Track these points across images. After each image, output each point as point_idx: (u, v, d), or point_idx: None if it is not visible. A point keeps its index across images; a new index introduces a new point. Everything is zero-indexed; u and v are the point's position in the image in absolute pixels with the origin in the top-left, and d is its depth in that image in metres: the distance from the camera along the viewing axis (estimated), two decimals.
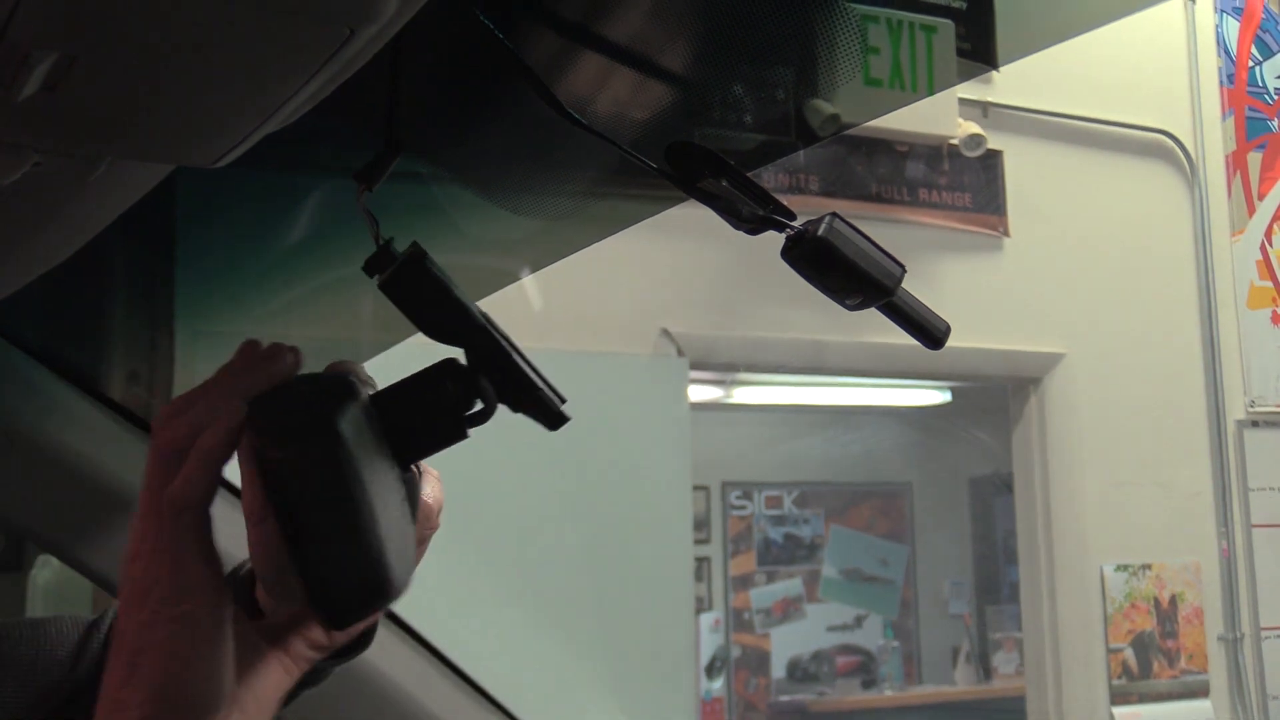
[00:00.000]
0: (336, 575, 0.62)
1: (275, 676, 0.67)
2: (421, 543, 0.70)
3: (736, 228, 0.66)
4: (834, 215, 0.62)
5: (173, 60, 0.44)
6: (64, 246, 0.76)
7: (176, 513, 0.65)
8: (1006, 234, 4.28)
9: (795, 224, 0.62)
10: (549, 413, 0.66)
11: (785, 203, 0.64)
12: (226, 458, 0.65)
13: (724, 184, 0.65)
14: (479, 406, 0.65)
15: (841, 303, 0.63)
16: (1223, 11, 4.80)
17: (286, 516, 0.63)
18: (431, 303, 0.64)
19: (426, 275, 0.64)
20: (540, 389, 0.66)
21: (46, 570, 2.25)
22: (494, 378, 0.65)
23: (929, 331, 0.65)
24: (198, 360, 1.50)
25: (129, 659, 0.64)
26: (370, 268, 0.65)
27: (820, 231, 0.61)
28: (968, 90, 4.16)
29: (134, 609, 0.65)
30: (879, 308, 0.64)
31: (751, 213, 0.65)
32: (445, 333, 0.65)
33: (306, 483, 0.62)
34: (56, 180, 0.57)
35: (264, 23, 0.41)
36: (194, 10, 0.40)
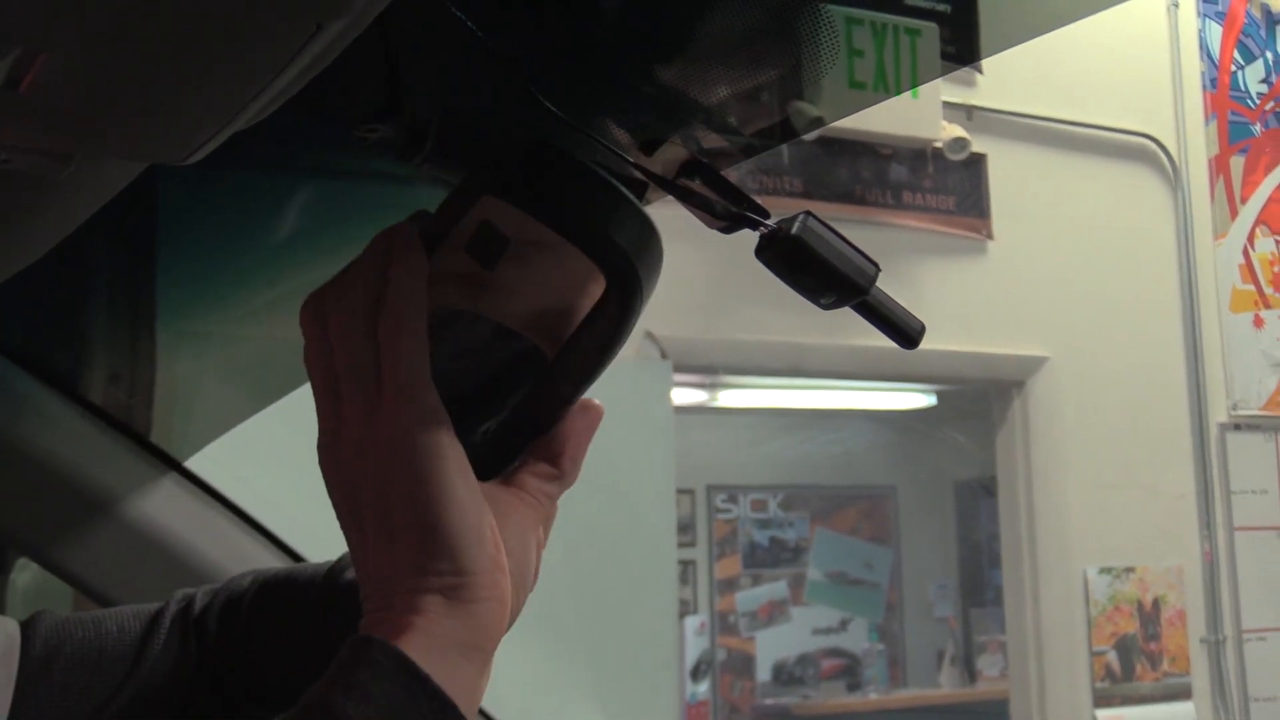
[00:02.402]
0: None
1: (521, 512, 0.65)
2: None
3: (710, 226, 0.65)
4: (808, 214, 0.62)
5: (139, 56, 0.44)
6: (36, 246, 0.76)
7: (413, 368, 0.61)
8: (990, 237, 4.29)
9: (769, 222, 0.62)
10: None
11: (768, 204, 0.64)
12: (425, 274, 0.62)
13: (698, 182, 0.65)
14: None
15: (815, 302, 0.63)
16: (1205, 16, 4.82)
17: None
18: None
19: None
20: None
21: (26, 573, 2.24)
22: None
23: (903, 331, 0.64)
24: (179, 361, 1.49)
25: (381, 520, 0.61)
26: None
27: (794, 230, 0.61)
28: (952, 94, 4.17)
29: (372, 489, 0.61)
30: (853, 307, 0.63)
31: (726, 211, 0.64)
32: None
33: None
34: (25, 179, 0.57)
35: (229, 18, 0.41)
36: (159, 4, 0.40)
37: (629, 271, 0.62)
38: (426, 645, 0.58)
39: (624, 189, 0.63)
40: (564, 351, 0.64)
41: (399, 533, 0.60)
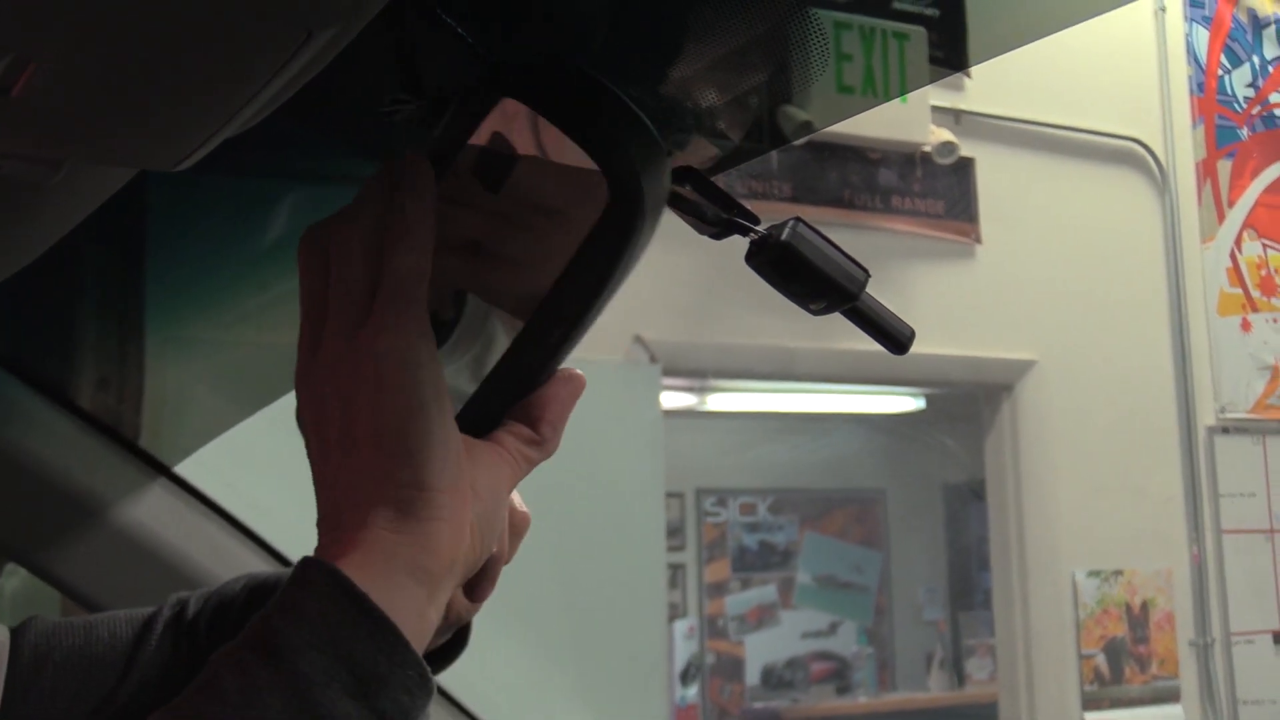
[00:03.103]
0: None
1: (496, 463, 0.63)
2: None
3: (701, 232, 0.66)
4: (798, 220, 0.62)
5: (129, 63, 0.44)
6: (26, 252, 0.76)
7: (410, 284, 0.60)
8: (978, 241, 4.29)
9: (759, 229, 0.63)
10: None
11: (757, 209, 0.64)
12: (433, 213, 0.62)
13: (688, 188, 0.65)
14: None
15: (805, 307, 0.63)
16: (1192, 21, 4.84)
17: None
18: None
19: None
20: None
21: (14, 579, 2.24)
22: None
23: (893, 337, 0.65)
24: (168, 366, 1.49)
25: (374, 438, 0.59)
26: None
27: (784, 236, 0.61)
28: (940, 98, 4.18)
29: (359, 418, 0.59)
30: (843, 313, 0.64)
31: (716, 217, 0.65)
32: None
33: None
34: (15, 184, 0.57)
35: (219, 25, 0.41)
36: (149, 12, 0.40)
37: (634, 186, 0.60)
38: (369, 563, 0.57)
39: (642, 114, 0.62)
40: (553, 292, 0.62)
41: (362, 445, 0.59)
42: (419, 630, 0.57)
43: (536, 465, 0.66)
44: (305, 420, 0.62)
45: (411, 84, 0.65)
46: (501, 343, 0.65)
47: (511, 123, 0.63)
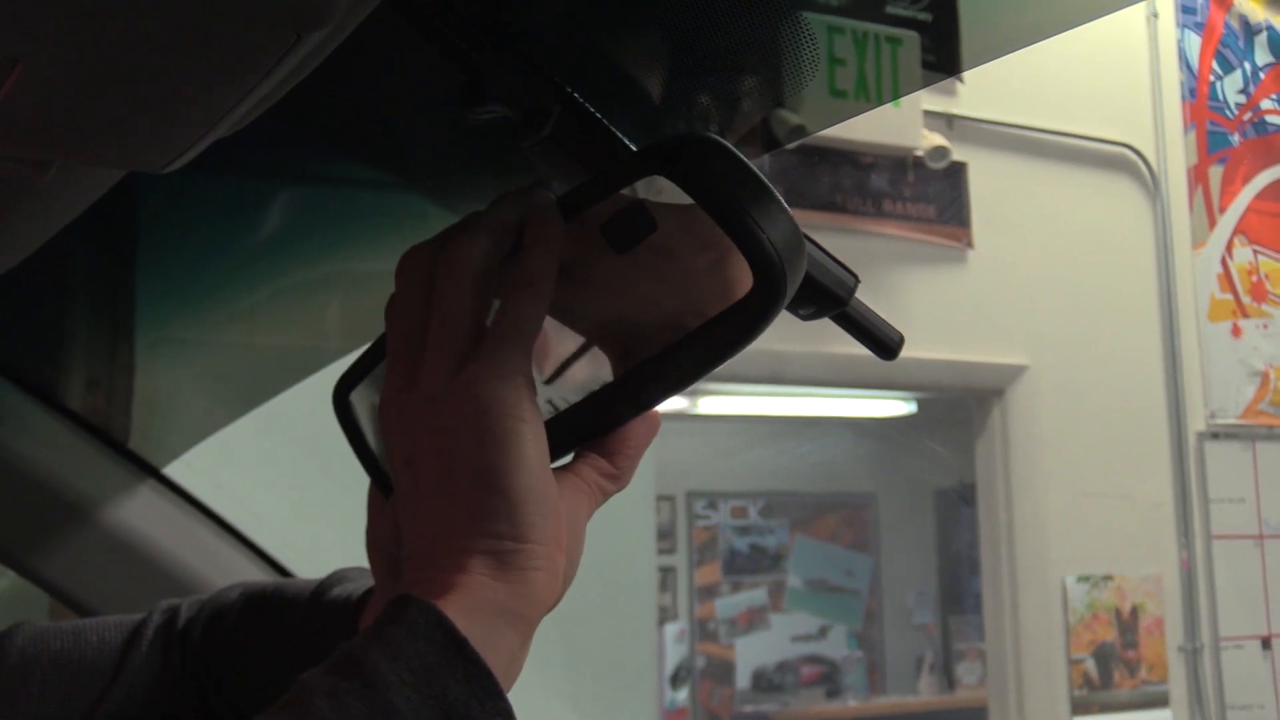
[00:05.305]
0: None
1: (578, 497, 0.63)
2: None
3: None
4: None
5: (117, 65, 0.43)
6: (15, 253, 0.76)
7: (526, 334, 0.60)
8: (970, 246, 4.30)
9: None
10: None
11: None
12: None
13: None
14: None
15: (795, 313, 0.63)
16: (1184, 27, 4.85)
17: None
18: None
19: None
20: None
21: (2, 581, 2.23)
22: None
23: (882, 342, 0.64)
24: (158, 367, 1.49)
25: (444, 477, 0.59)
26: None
27: None
28: (932, 102, 4.18)
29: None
30: (833, 318, 0.64)
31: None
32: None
33: None
34: (3, 186, 0.56)
35: (208, 27, 0.40)
36: (138, 14, 0.40)
37: (778, 273, 0.59)
38: (469, 607, 0.56)
39: (784, 203, 0.61)
40: (666, 354, 0.61)
41: (460, 490, 0.58)
42: (509, 674, 0.58)
43: (610, 498, 0.66)
44: (394, 452, 0.62)
45: (495, 93, 0.64)
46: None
47: (653, 192, 0.62)
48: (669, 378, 0.62)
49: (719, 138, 0.62)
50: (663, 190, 0.61)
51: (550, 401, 0.65)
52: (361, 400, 0.72)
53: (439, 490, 0.59)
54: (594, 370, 0.66)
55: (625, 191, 0.63)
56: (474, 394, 0.58)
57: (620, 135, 0.67)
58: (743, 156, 0.61)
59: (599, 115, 0.65)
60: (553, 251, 0.61)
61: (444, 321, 0.60)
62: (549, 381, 0.66)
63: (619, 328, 0.64)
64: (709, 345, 0.60)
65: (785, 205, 0.61)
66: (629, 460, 0.66)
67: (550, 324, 0.65)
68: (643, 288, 0.63)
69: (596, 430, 0.65)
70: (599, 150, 0.66)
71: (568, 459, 0.65)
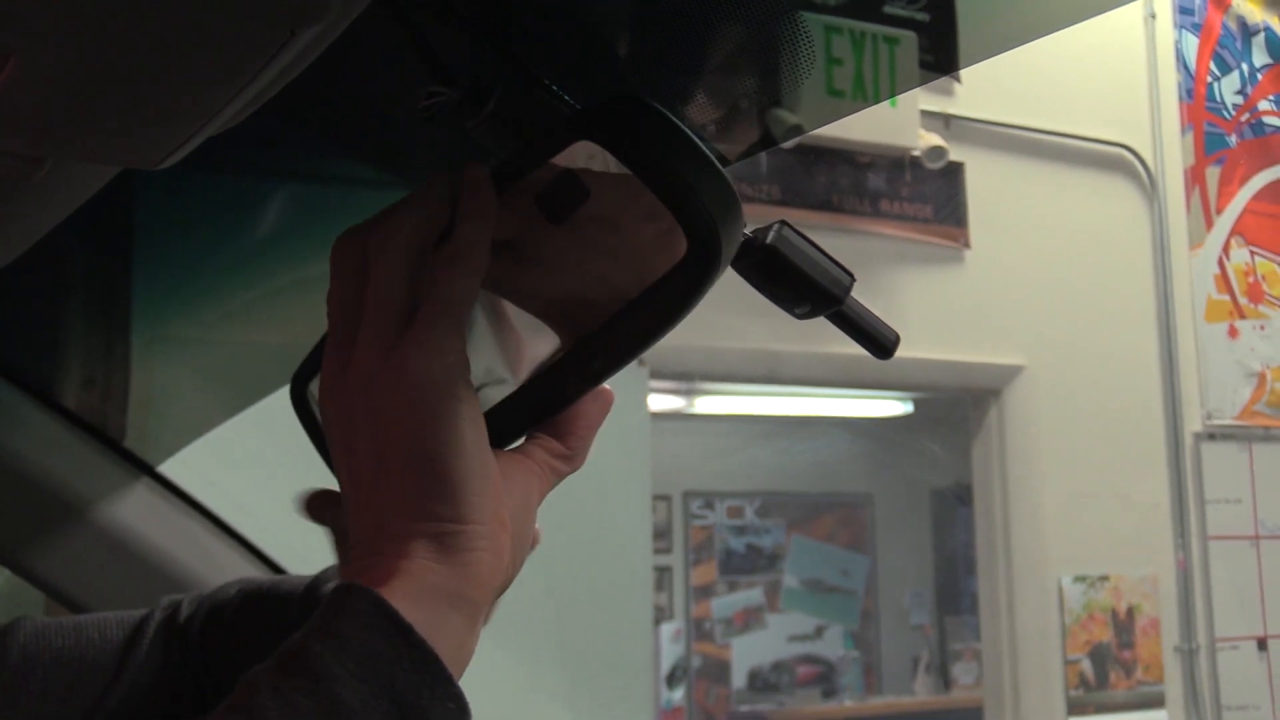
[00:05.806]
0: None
1: (525, 478, 0.62)
2: None
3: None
4: (782, 223, 0.62)
5: (112, 61, 0.43)
6: (9, 250, 0.75)
7: (459, 308, 0.58)
8: (967, 246, 4.30)
9: (745, 231, 0.62)
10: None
11: (746, 212, 0.64)
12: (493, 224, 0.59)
13: None
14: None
15: (790, 311, 0.63)
16: (1182, 28, 4.85)
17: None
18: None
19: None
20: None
21: None
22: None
23: (878, 341, 0.64)
24: (153, 366, 1.49)
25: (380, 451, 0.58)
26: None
27: (769, 240, 0.61)
28: (930, 102, 4.18)
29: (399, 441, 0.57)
30: (828, 317, 0.63)
31: None
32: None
33: None
34: None
35: (203, 23, 0.40)
36: (132, 8, 0.40)
37: (714, 242, 0.58)
38: (413, 593, 0.55)
39: (721, 167, 0.61)
40: (608, 326, 0.61)
41: (397, 473, 0.57)
42: (459, 660, 0.57)
43: (564, 479, 0.65)
44: (333, 435, 0.60)
45: (444, 76, 0.63)
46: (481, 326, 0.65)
47: (582, 158, 0.61)
48: (613, 350, 0.61)
49: (649, 100, 0.61)
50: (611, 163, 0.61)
51: (490, 372, 0.64)
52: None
53: (376, 475, 0.58)
54: (546, 352, 0.65)
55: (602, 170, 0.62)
56: (406, 373, 0.57)
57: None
58: (673, 118, 0.60)
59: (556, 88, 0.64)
60: (485, 224, 0.59)
61: (376, 301, 0.58)
62: (494, 362, 0.65)
63: (573, 307, 0.63)
64: (650, 313, 0.60)
65: (719, 165, 0.60)
66: (581, 440, 0.65)
67: (503, 306, 0.64)
68: (593, 264, 0.62)
69: (547, 410, 0.64)
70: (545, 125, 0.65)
71: (520, 441, 0.64)
